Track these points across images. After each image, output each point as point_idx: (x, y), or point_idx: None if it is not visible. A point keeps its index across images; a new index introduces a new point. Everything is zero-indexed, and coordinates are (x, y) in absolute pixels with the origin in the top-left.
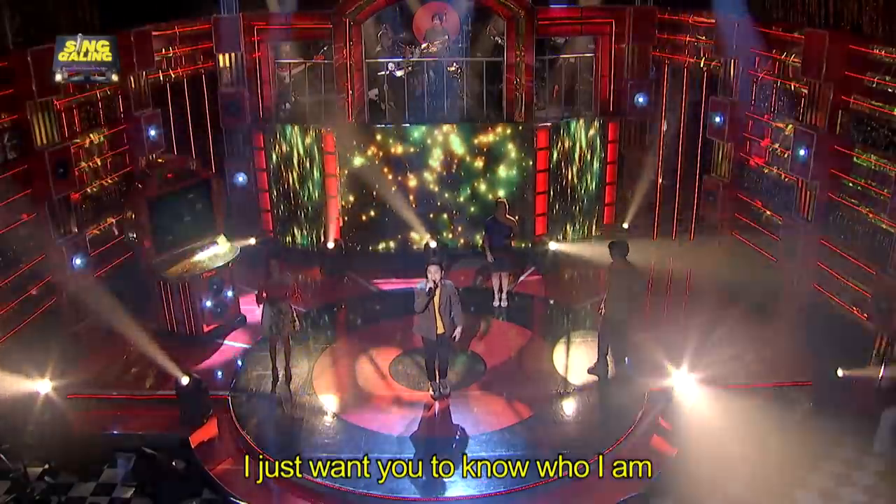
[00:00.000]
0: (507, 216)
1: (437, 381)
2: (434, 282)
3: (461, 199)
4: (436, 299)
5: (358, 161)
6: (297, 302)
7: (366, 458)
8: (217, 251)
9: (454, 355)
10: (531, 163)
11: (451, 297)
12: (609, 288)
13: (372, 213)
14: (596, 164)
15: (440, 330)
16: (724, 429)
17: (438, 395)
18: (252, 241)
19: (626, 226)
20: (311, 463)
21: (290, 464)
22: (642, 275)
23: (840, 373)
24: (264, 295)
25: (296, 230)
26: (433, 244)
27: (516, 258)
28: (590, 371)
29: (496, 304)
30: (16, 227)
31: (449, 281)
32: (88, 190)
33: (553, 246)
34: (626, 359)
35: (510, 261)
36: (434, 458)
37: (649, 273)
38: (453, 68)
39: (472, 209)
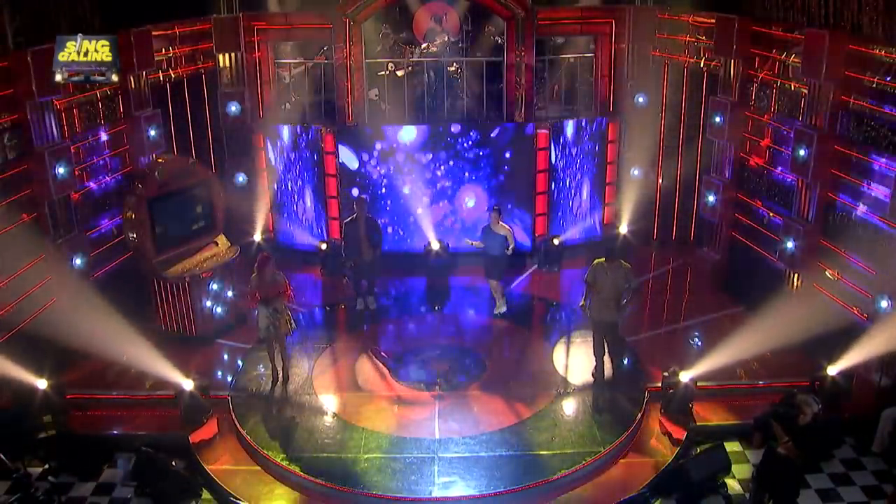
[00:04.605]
0: (501, 225)
1: (364, 298)
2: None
3: (460, 199)
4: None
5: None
6: (291, 301)
7: (365, 458)
8: (217, 251)
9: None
10: (531, 163)
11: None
12: (594, 288)
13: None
14: (595, 164)
15: (368, 255)
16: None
17: (364, 307)
18: (257, 236)
19: (623, 227)
20: (310, 462)
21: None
22: (632, 272)
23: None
24: (257, 295)
25: (295, 230)
26: (435, 245)
27: (508, 268)
28: (592, 374)
29: (496, 311)
30: (15, 227)
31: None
32: (88, 189)
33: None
34: (625, 359)
35: (500, 270)
36: (434, 457)
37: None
38: (453, 68)
39: (471, 209)
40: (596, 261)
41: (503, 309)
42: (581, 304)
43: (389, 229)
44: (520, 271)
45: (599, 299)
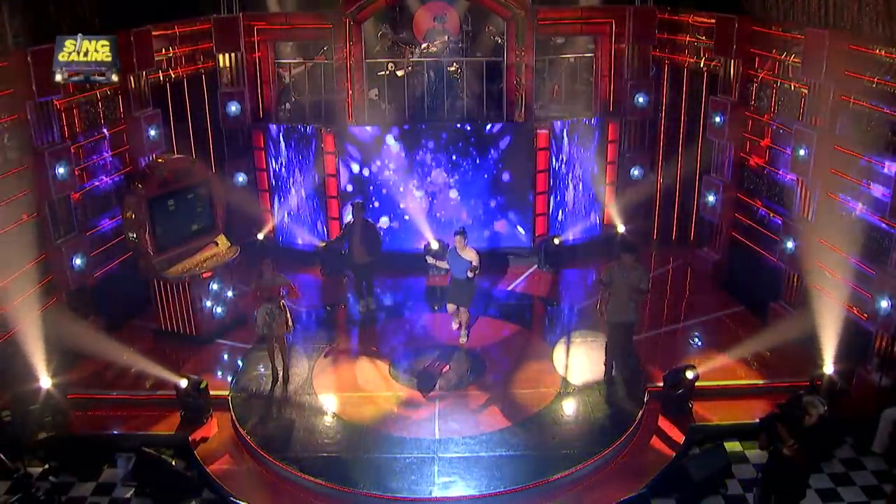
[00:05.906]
0: (468, 249)
1: (364, 299)
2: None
3: (459, 199)
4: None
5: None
6: (292, 301)
7: (365, 458)
8: (217, 251)
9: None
10: (531, 163)
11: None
12: (611, 288)
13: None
14: (595, 164)
15: (362, 259)
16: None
17: (364, 308)
18: (259, 236)
19: (622, 227)
20: (310, 462)
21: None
22: (646, 275)
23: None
24: (258, 295)
25: (295, 230)
26: (434, 245)
27: (474, 295)
28: (611, 374)
29: (461, 340)
30: (15, 227)
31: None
32: (88, 189)
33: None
34: (627, 359)
35: (466, 296)
36: (434, 457)
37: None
38: (453, 68)
39: (471, 210)
40: (617, 261)
41: (464, 340)
42: (598, 307)
43: (392, 223)
44: (520, 271)
45: (616, 301)
